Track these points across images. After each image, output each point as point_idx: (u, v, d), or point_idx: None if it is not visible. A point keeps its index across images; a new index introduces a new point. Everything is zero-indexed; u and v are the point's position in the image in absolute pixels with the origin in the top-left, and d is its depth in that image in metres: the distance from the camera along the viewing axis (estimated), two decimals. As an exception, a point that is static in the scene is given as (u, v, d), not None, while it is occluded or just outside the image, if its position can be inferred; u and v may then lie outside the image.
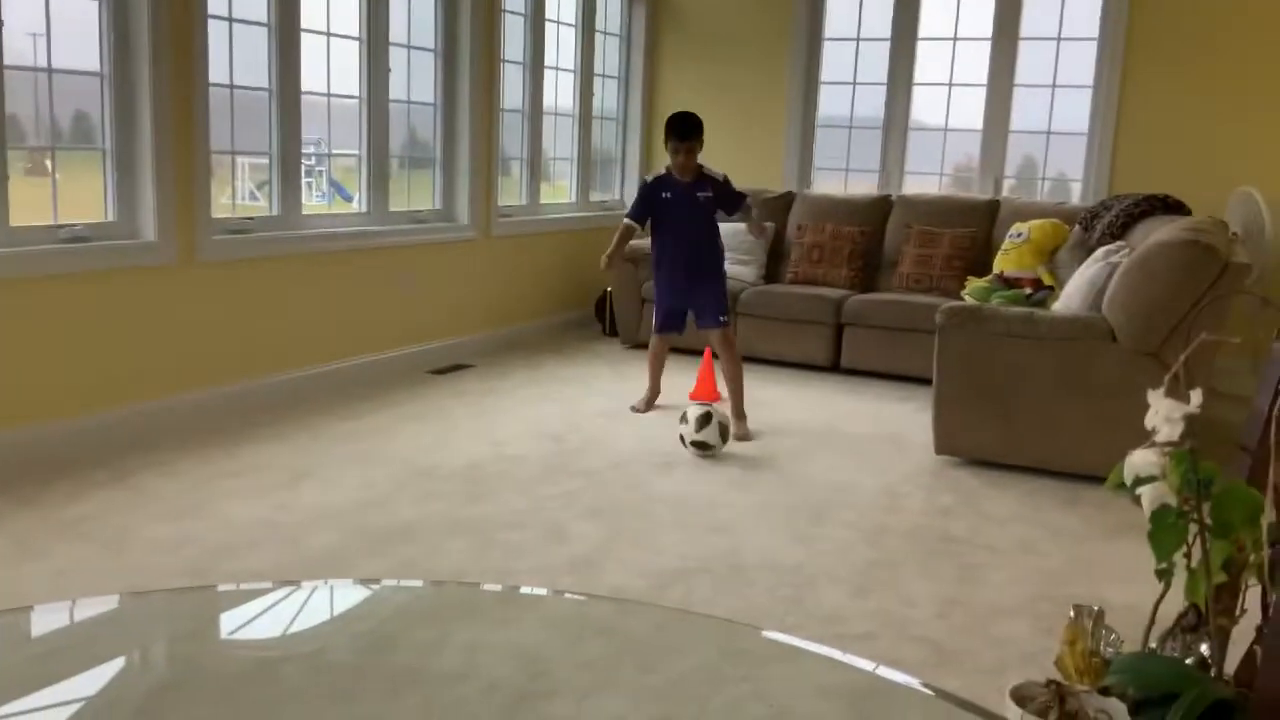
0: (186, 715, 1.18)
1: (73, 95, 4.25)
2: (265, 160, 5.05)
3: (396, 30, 5.62)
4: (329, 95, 5.34)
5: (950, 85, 7.16)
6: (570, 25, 7.18)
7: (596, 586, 3.12)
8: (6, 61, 3.84)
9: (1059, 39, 6.81)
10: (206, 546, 3.29)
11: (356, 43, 5.43)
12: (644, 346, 6.59)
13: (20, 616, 1.46)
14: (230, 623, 1.46)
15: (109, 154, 4.28)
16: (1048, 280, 5.80)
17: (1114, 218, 5.48)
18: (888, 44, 7.22)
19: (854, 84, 7.39)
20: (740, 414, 4.82)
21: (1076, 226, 5.93)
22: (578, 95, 7.34)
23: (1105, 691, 1.10)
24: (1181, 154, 6.37)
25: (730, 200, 4.98)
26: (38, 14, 3.97)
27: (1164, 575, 1.14)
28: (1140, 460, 1.10)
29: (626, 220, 5.07)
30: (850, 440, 4.80)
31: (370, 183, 5.59)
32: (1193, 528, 1.10)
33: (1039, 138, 7.00)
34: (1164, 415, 1.08)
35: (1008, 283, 5.90)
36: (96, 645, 1.34)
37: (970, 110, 7.08)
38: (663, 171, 4.99)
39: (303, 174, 5.22)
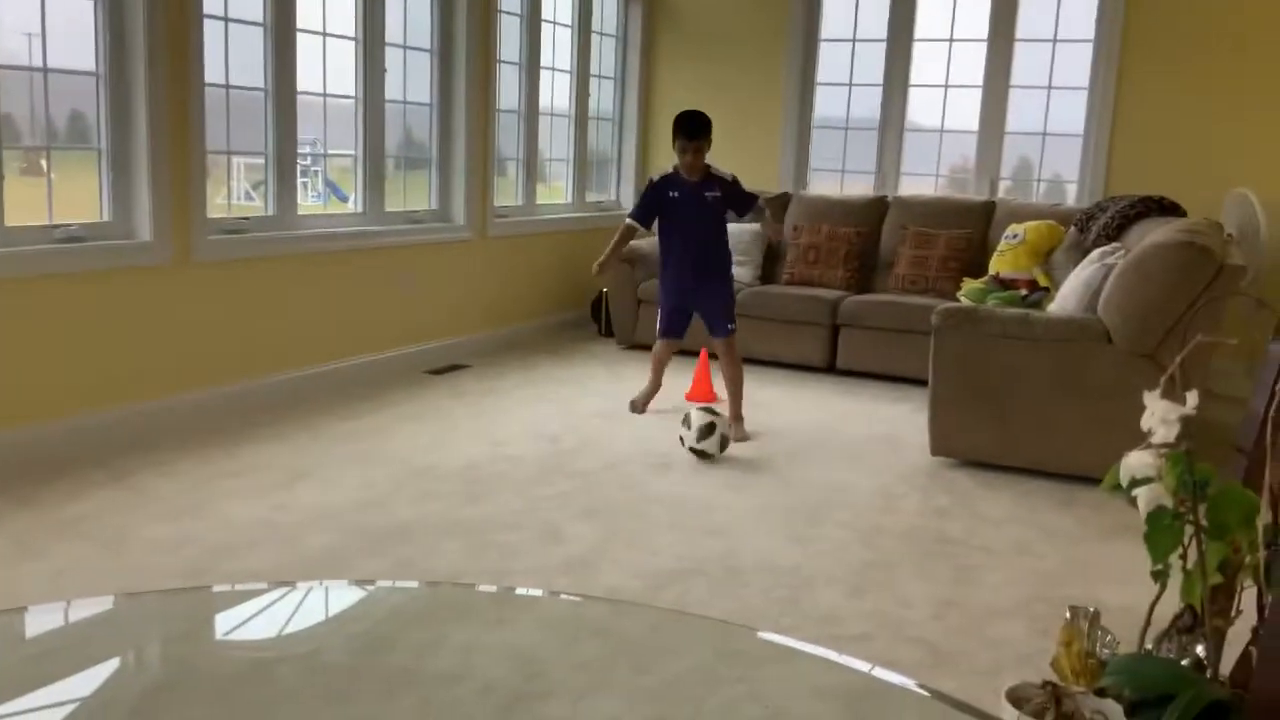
0: (181, 716, 1.18)
1: (68, 95, 4.24)
2: (261, 160, 5.05)
3: (392, 30, 5.62)
4: (325, 95, 5.34)
5: (946, 86, 7.17)
6: (566, 26, 7.18)
7: (592, 587, 3.12)
8: (1, 61, 3.83)
9: (1055, 40, 6.82)
10: (205, 547, 3.28)
11: (352, 43, 5.43)
12: (640, 347, 6.60)
13: (15, 617, 1.46)
14: (225, 623, 1.46)
15: (104, 154, 4.27)
16: (1043, 282, 5.81)
17: (1109, 219, 5.49)
18: (884, 45, 7.23)
19: (850, 85, 7.40)
20: (738, 416, 4.82)
21: (1072, 228, 5.94)
22: (574, 96, 7.34)
23: (1101, 693, 1.10)
24: (1177, 156, 6.38)
25: (741, 201, 4.93)
26: (33, 13, 3.96)
27: (1160, 576, 1.14)
28: (1136, 462, 1.10)
29: (628, 220, 5.02)
30: (846, 441, 4.80)
31: (366, 183, 5.58)
32: (1189, 529, 1.10)
33: (1034, 139, 7.01)
34: (1160, 417, 1.08)
35: (1003, 284, 5.90)
36: (91, 646, 1.34)
37: (966, 111, 7.09)
38: (669, 170, 4.93)
39: (298, 174, 5.22)
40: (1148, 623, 1.20)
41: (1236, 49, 6.25)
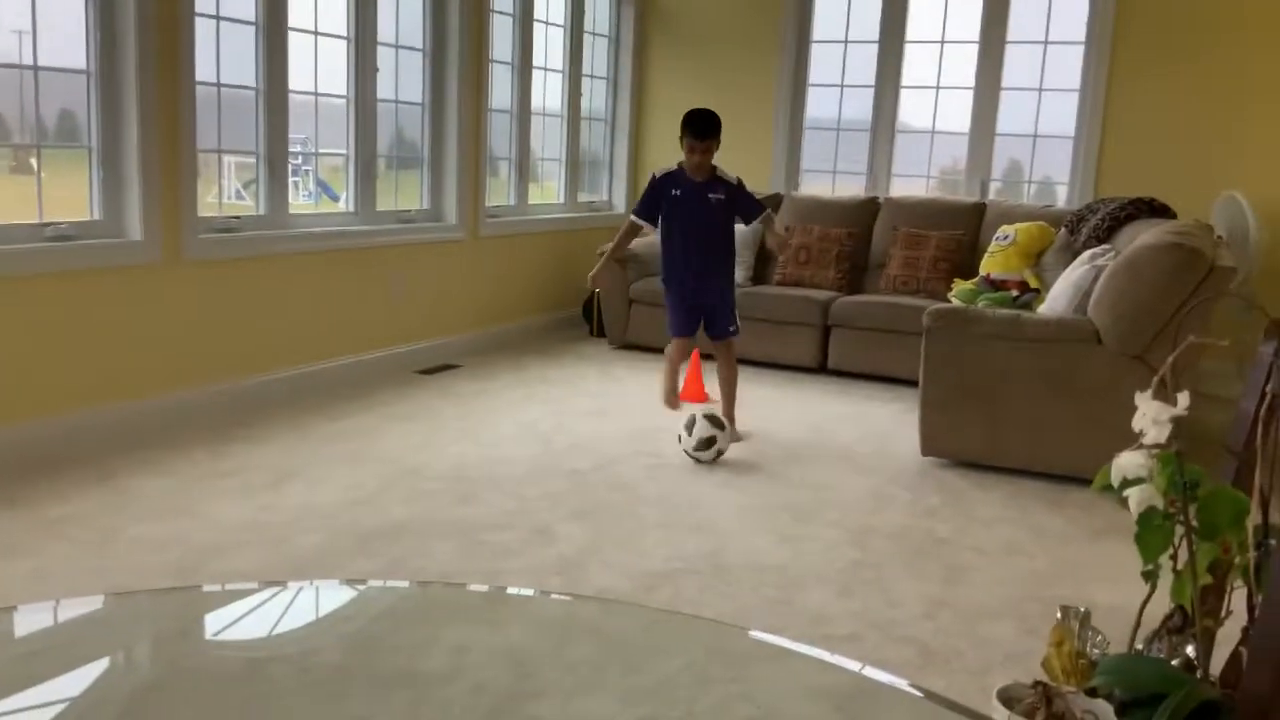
0: (171, 716, 1.17)
1: (58, 93, 4.22)
2: (252, 159, 5.03)
3: (384, 30, 5.61)
4: (316, 94, 5.33)
5: (937, 88, 7.18)
6: (559, 26, 7.18)
7: (583, 587, 3.12)
8: (-9, 58, 3.82)
9: (1046, 43, 6.84)
10: (192, 546, 3.27)
11: (344, 42, 5.42)
12: (631, 348, 6.61)
13: (3, 617, 1.45)
14: (216, 623, 1.45)
15: (94, 152, 4.26)
16: (1034, 283, 5.82)
17: (1100, 221, 5.51)
18: (875, 46, 7.24)
19: (841, 86, 7.41)
20: (730, 416, 4.81)
21: (1062, 229, 5.96)
22: (566, 96, 7.33)
23: (1092, 692, 1.11)
24: (1167, 158, 6.40)
25: (747, 207, 4.77)
26: (24, 11, 3.95)
27: (1150, 577, 1.15)
28: (1128, 462, 1.11)
29: (632, 218, 4.89)
30: (837, 442, 4.81)
31: (357, 182, 5.57)
32: (1179, 530, 1.11)
33: (1025, 141, 7.03)
34: (1151, 418, 1.08)
35: (994, 285, 5.91)
36: (80, 646, 1.33)
37: (957, 113, 7.11)
38: (673, 167, 4.80)
39: (290, 173, 5.20)
40: (1138, 623, 1.21)
41: (1227, 52, 6.28)
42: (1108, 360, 4.15)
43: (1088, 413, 4.13)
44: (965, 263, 6.31)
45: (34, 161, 4.18)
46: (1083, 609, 1.30)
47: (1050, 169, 7.07)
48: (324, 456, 4.20)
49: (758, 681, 1.32)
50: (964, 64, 7.02)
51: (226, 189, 5.42)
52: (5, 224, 3.94)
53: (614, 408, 5.20)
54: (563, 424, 4.85)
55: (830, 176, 7.56)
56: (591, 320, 7.06)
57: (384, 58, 5.63)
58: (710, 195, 4.70)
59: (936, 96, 7.19)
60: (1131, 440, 1.13)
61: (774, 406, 5.37)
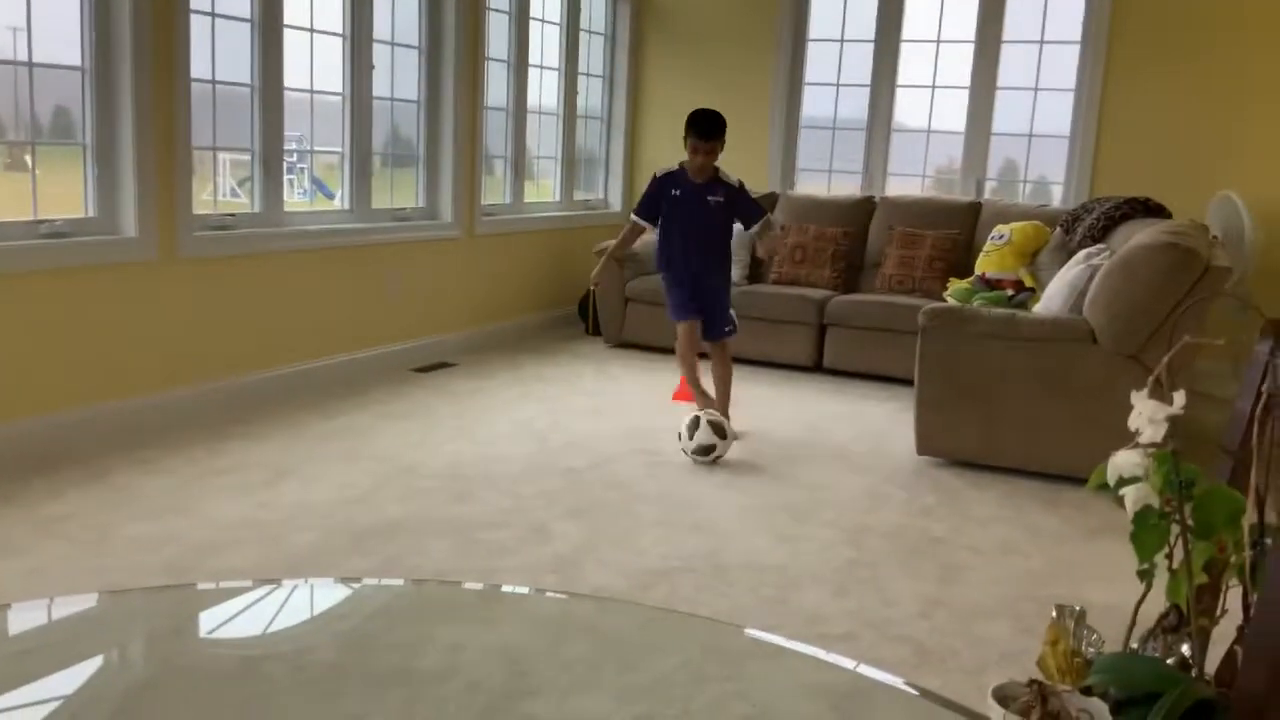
0: (166, 714, 1.17)
1: (53, 90, 4.21)
2: (247, 157, 5.02)
3: (380, 27, 5.60)
4: (311, 91, 5.32)
5: (933, 87, 7.19)
6: (555, 23, 7.17)
7: (579, 585, 3.12)
8: (-14, 55, 3.81)
9: (1041, 42, 6.85)
10: (187, 545, 3.27)
11: (340, 39, 5.41)
12: (628, 346, 6.61)
13: (-3, 615, 1.45)
14: (210, 621, 1.45)
15: (89, 149, 4.25)
16: (1029, 282, 5.83)
17: (1095, 220, 5.51)
18: (871, 45, 7.24)
19: (837, 85, 7.42)
20: (724, 415, 4.80)
21: (1058, 229, 5.96)
22: (562, 94, 7.33)
23: (1087, 691, 1.11)
24: (1162, 157, 6.41)
25: (747, 211, 4.71)
26: (18, 8, 3.94)
27: (1146, 576, 1.15)
28: (1124, 461, 1.11)
29: (635, 218, 4.85)
30: (832, 441, 4.81)
31: (353, 180, 5.57)
32: (1174, 529, 1.11)
33: (1021, 140, 7.04)
34: (1147, 416, 1.08)
35: (989, 284, 5.92)
36: (75, 644, 1.33)
37: (953, 112, 7.11)
38: (674, 167, 4.75)
39: (285, 171, 5.19)
40: (1133, 622, 1.21)
41: (1222, 52, 6.29)
42: (1103, 360, 4.15)
43: (1083, 412, 4.14)
44: (961, 262, 6.31)
45: (29, 158, 4.17)
46: (1078, 608, 1.30)
47: (1045, 168, 7.08)
48: (319, 454, 4.20)
49: (753, 680, 1.32)
50: (960, 63, 7.03)
51: (221, 186, 5.41)
52: (0, 221, 3.93)
53: (610, 406, 5.20)
54: (558, 422, 4.85)
55: (826, 175, 7.56)
56: (587, 319, 7.06)
57: (379, 55, 5.63)
58: (710, 198, 4.65)
59: (932, 96, 7.20)
60: (1127, 439, 1.13)
61: (769, 405, 5.37)
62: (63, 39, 4.14)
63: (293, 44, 5.06)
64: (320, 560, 3.22)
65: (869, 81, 7.28)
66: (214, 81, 4.71)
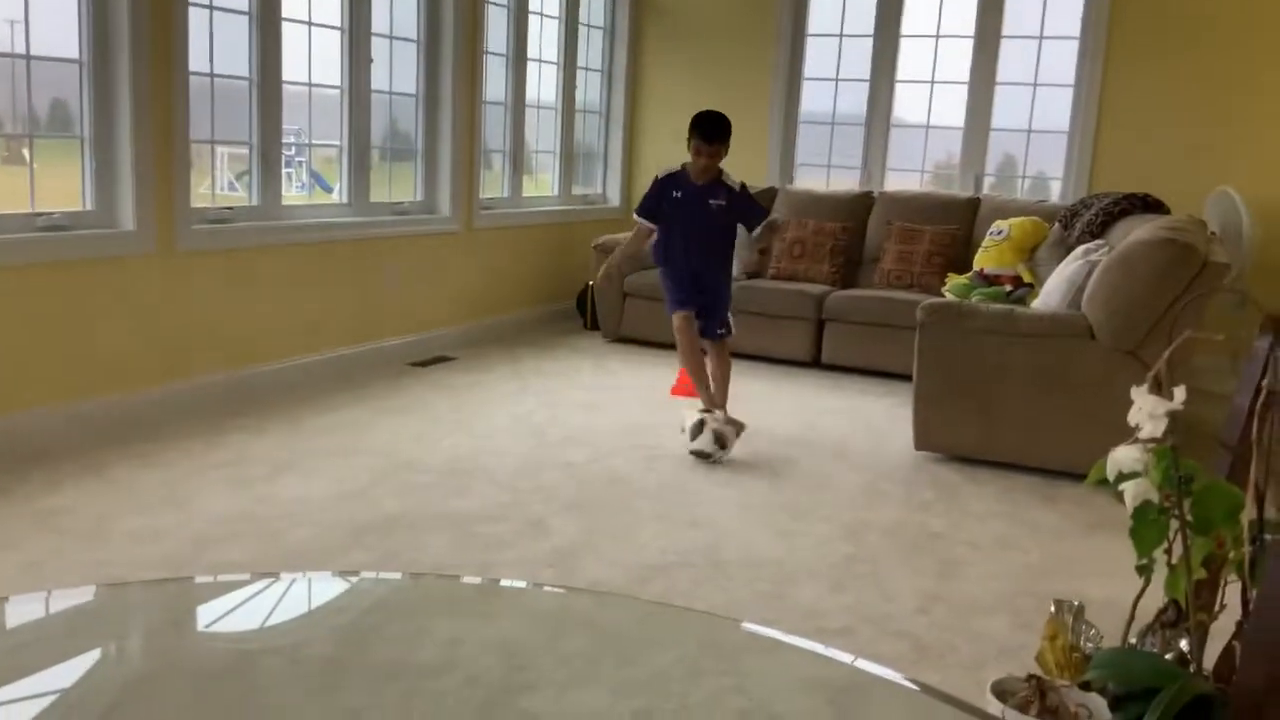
0: (163, 708, 1.17)
1: (51, 83, 4.20)
2: (245, 150, 5.02)
3: (378, 20, 5.59)
4: (310, 85, 5.31)
5: (932, 82, 7.18)
6: (553, 18, 7.16)
7: (577, 580, 3.12)
8: (-17, 47, 3.80)
9: (1041, 38, 6.84)
10: (185, 538, 3.27)
11: (338, 32, 5.40)
12: (626, 341, 6.60)
13: (-6, 608, 1.45)
14: (207, 615, 1.45)
15: (87, 142, 4.24)
16: (1027, 278, 5.83)
17: (1093, 216, 5.51)
18: (871, 40, 7.24)
19: (836, 80, 7.41)
20: (722, 407, 4.80)
21: (1056, 224, 5.96)
22: (560, 88, 7.32)
23: (1086, 686, 1.11)
24: (1161, 153, 6.41)
25: (749, 214, 4.67)
26: (16, 1, 3.93)
27: (1144, 571, 1.15)
28: (1123, 456, 1.11)
29: (641, 221, 4.78)
30: (831, 436, 4.81)
31: (351, 174, 5.56)
32: (1174, 524, 1.11)
33: (1019, 136, 7.03)
34: (1147, 412, 1.08)
35: (988, 280, 5.92)
36: (71, 637, 1.33)
37: (952, 108, 7.11)
38: (676, 168, 4.70)
39: (283, 164, 5.19)
40: (1132, 617, 1.21)
41: (1221, 48, 6.28)
42: (1101, 355, 4.15)
43: (1081, 408, 4.14)
44: (959, 257, 6.31)
45: (26, 152, 4.16)
46: (1076, 603, 1.30)
47: (1044, 164, 7.07)
48: (317, 449, 4.19)
49: (751, 674, 1.32)
50: (959, 58, 7.02)
51: (219, 180, 5.40)
52: (-3, 214, 3.93)
53: (608, 401, 5.20)
54: (557, 417, 4.85)
55: (825, 170, 7.55)
56: (586, 313, 7.06)
57: (378, 48, 5.62)
58: (711, 201, 4.60)
59: (931, 91, 7.19)
60: (1125, 435, 1.13)
61: (768, 401, 5.37)
62: (60, 32, 4.13)
63: (291, 37, 5.05)
64: (318, 554, 3.22)
65: (868, 76, 7.27)
66: (212, 75, 4.70)
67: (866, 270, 6.62)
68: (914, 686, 1.29)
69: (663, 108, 7.59)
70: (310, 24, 5.21)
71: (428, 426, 4.59)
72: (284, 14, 4.97)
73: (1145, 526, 1.10)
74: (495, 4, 6.47)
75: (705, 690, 1.27)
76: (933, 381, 4.39)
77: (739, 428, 4.62)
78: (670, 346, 5.63)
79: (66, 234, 4.10)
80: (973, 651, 2.80)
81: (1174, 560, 1.11)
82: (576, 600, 1.77)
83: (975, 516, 3.85)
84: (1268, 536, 1.10)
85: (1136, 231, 4.46)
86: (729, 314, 4.83)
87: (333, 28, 5.37)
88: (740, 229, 4.81)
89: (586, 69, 7.57)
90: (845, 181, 7.39)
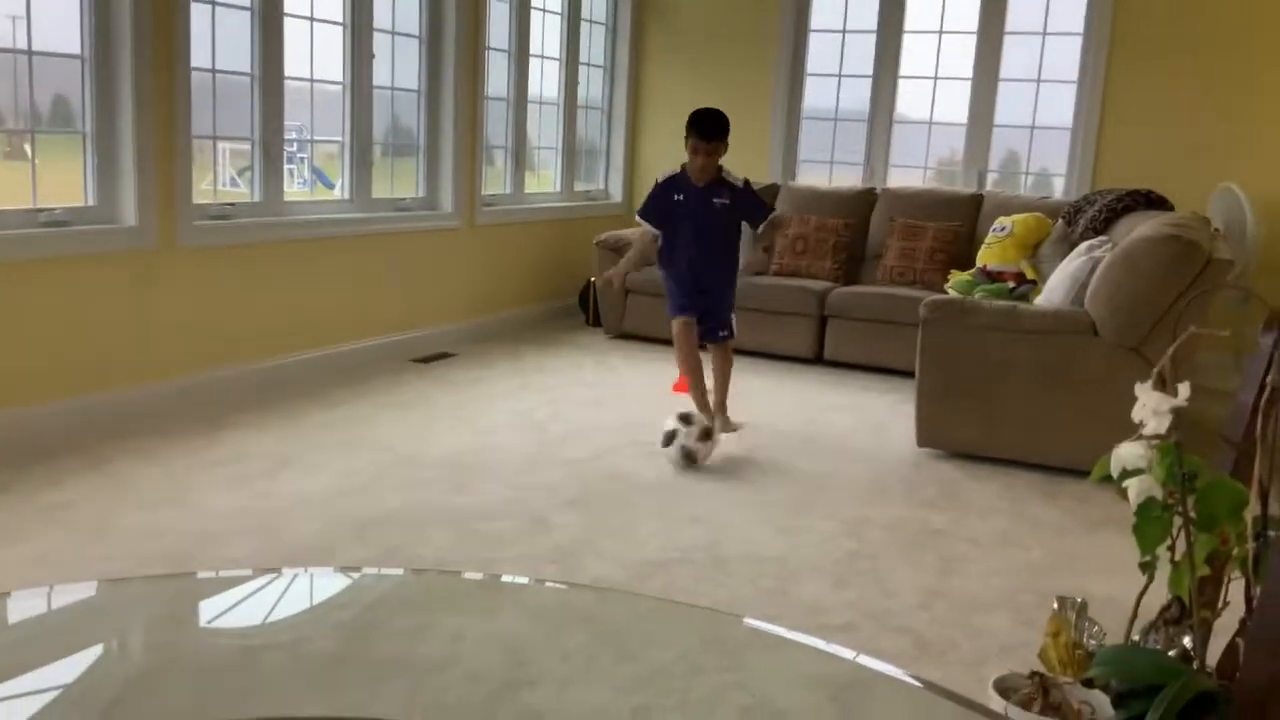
0: (165, 703, 1.17)
1: (53, 78, 4.20)
2: (247, 146, 5.01)
3: (381, 16, 5.58)
4: (312, 81, 5.30)
5: (935, 79, 7.17)
6: (556, 13, 7.15)
7: (578, 576, 3.12)
8: (-15, 43, 3.80)
9: (1044, 34, 6.83)
10: (187, 534, 3.27)
11: (340, 28, 5.39)
12: (628, 338, 6.60)
13: (-4, 603, 1.45)
14: (210, 610, 1.45)
15: (89, 138, 4.24)
16: (1030, 274, 5.82)
17: (1097, 212, 5.50)
18: (873, 37, 7.22)
19: (839, 76, 7.40)
20: (722, 404, 4.80)
21: (1059, 221, 5.95)
22: (563, 84, 7.31)
23: (1089, 683, 1.10)
24: (1164, 150, 6.40)
25: (753, 211, 4.56)
26: (17, -5, 3.93)
27: (1148, 568, 1.15)
28: (1127, 453, 1.10)
29: (645, 225, 4.65)
30: (833, 432, 4.81)
31: (353, 170, 5.55)
32: (1177, 521, 1.10)
33: (1023, 132, 7.02)
34: (1152, 408, 1.08)
35: (991, 276, 5.91)
36: (74, 632, 1.33)
37: (955, 104, 7.10)
38: (676, 170, 4.57)
39: (285, 160, 5.18)
40: (1135, 614, 1.21)
41: (1225, 44, 6.27)
42: (1104, 352, 4.15)
43: (1084, 405, 4.13)
44: (962, 254, 6.30)
45: (28, 147, 4.16)
46: (1079, 600, 1.30)
47: (1048, 160, 7.06)
48: (319, 444, 4.19)
49: (752, 670, 1.32)
50: (962, 54, 7.01)
51: (221, 176, 5.40)
52: (-1, 209, 3.93)
53: (610, 397, 5.19)
54: (559, 413, 4.85)
55: (827, 167, 7.54)
56: (588, 310, 7.05)
57: (380, 44, 5.61)
58: (715, 200, 4.50)
59: (934, 87, 7.18)
60: (1128, 432, 1.13)
61: (770, 397, 5.37)
62: (62, 27, 4.13)
63: (293, 33, 5.04)
64: (320, 550, 3.22)
65: (871, 73, 7.26)
66: (214, 70, 4.70)
67: (869, 267, 6.62)
68: (916, 683, 1.29)
69: (664, 104, 7.58)
70: (312, 19, 5.21)
71: (429, 423, 4.59)
72: (286, 9, 4.96)
73: (1149, 523, 1.10)
74: None
75: (707, 686, 1.27)
76: (935, 378, 4.39)
77: (733, 428, 4.61)
78: (672, 343, 5.63)
79: (68, 230, 4.10)
80: (974, 648, 2.80)
81: (1177, 557, 1.11)
82: (578, 596, 1.77)
83: (977, 513, 3.85)
84: (1271, 533, 1.09)
85: (1140, 228, 4.45)
86: (732, 316, 4.77)
87: (335, 23, 5.36)
88: (744, 228, 4.77)
89: (589, 65, 7.56)
90: (848, 178, 7.38)
